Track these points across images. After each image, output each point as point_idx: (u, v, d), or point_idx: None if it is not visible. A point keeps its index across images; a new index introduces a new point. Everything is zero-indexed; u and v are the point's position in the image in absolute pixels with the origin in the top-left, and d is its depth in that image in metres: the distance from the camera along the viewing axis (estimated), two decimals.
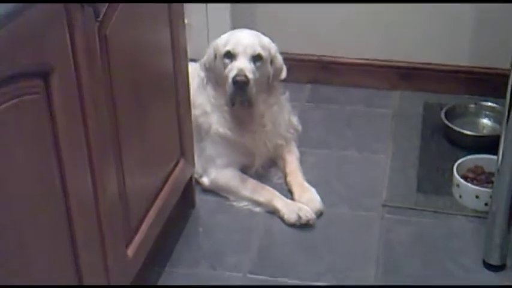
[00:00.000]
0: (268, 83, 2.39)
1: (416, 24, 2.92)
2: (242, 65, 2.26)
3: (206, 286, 2.01)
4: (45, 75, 1.30)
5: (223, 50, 2.31)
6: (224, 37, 2.37)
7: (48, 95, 1.31)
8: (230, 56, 2.30)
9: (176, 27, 1.95)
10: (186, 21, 2.09)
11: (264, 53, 2.32)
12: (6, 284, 1.27)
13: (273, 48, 2.40)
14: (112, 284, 1.66)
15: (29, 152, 1.29)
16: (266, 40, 2.38)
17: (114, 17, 1.55)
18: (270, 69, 2.37)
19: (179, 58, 2.00)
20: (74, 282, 1.51)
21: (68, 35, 1.35)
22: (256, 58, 2.30)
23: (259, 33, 2.39)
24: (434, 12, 2.86)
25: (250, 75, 2.25)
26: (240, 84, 2.23)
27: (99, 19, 1.46)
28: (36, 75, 1.28)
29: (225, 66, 2.30)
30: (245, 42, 2.30)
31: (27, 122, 1.27)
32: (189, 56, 2.14)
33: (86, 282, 1.54)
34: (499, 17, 2.79)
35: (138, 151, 1.79)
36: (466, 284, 2.00)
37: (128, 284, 1.77)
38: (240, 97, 2.28)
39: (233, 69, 2.27)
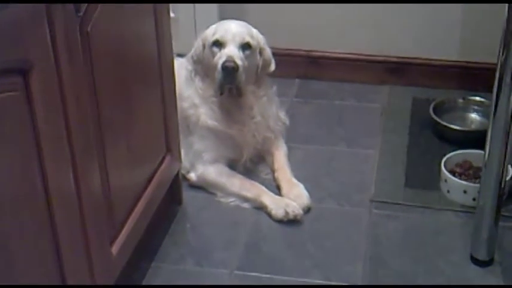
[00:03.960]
0: (257, 74, 2.39)
1: (405, 19, 2.91)
2: (231, 52, 2.26)
3: (195, 286, 2.00)
4: (24, 72, 1.28)
5: (211, 39, 2.31)
6: (212, 27, 2.37)
7: (27, 92, 1.30)
8: (219, 44, 2.30)
9: (161, 20, 1.93)
10: (172, 15, 2.07)
11: (252, 42, 2.32)
12: None
13: (262, 39, 2.40)
14: (97, 282, 1.65)
15: (9, 150, 1.28)
16: (254, 31, 2.39)
17: (96, 12, 1.53)
18: (258, 59, 2.37)
19: (164, 52, 1.98)
20: (57, 281, 1.50)
21: (48, 31, 1.33)
22: (245, 46, 2.30)
23: (247, 24, 2.38)
24: (423, 7, 2.85)
25: (239, 62, 2.24)
26: (229, 70, 2.23)
27: (80, 14, 1.44)
28: (14, 72, 1.26)
29: (214, 54, 2.30)
30: (234, 31, 2.30)
31: (6, 120, 1.26)
32: (176, 51, 2.13)
33: (70, 280, 1.52)
34: (487, 11, 2.78)
35: (123, 147, 1.77)
36: (454, 280, 2.00)
37: (113, 282, 1.75)
38: (229, 84, 2.28)
39: (222, 56, 2.26)
